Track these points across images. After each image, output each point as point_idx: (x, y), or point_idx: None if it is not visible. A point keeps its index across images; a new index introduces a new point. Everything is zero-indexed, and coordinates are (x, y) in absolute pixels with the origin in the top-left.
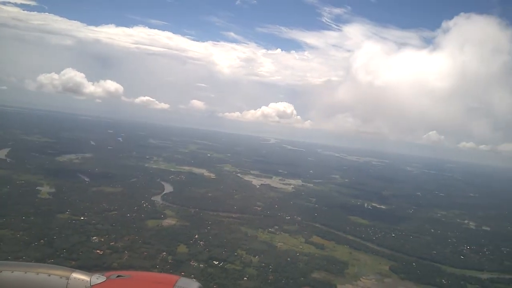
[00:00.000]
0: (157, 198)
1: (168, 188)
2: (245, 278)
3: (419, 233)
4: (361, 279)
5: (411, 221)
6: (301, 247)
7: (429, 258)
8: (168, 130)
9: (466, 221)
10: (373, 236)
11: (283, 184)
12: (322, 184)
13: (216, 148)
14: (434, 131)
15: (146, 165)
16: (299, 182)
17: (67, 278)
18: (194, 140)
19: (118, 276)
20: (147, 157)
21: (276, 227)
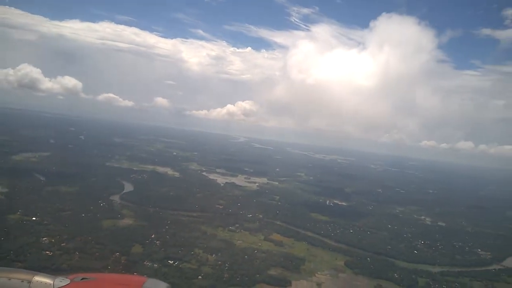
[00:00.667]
0: (116, 198)
1: (128, 187)
2: (199, 277)
3: (376, 229)
4: (316, 274)
5: (370, 217)
6: (260, 244)
7: (384, 253)
8: (135, 128)
9: (422, 217)
10: (332, 232)
11: (248, 182)
12: (287, 182)
13: (183, 146)
14: (396, 130)
15: (108, 164)
16: (264, 180)
17: (29, 281)
18: (161, 138)
19: (82, 278)
20: (109, 155)
21: (237, 225)
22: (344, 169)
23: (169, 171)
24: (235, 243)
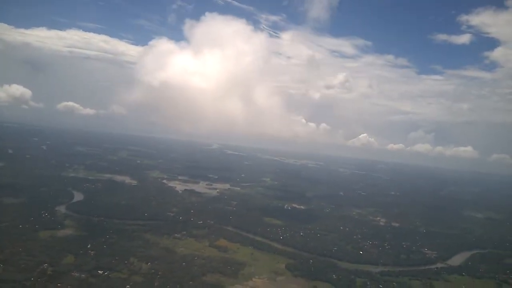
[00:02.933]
0: (62, 208)
1: (78, 197)
2: (127, 286)
3: (327, 231)
4: (253, 279)
5: (324, 220)
6: (203, 251)
7: (329, 254)
8: (101, 137)
9: (378, 218)
10: (281, 236)
11: (209, 189)
12: (250, 187)
13: (149, 154)
14: (365, 134)
15: (63, 173)
16: (226, 186)
17: None
18: (128, 146)
19: None
20: (67, 165)
21: (184, 232)
22: (312, 173)
23: (127, 179)
24: (177, 250)
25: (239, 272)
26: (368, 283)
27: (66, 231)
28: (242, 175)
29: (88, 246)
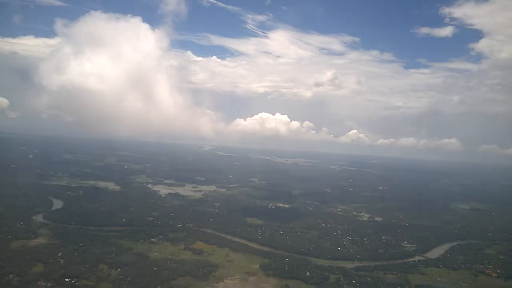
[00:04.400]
0: (39, 217)
1: (58, 205)
2: None
3: (308, 229)
4: (224, 280)
5: (306, 218)
6: (177, 254)
7: (306, 252)
8: (93, 144)
9: (362, 214)
10: (260, 236)
11: (194, 191)
12: (236, 188)
13: (138, 159)
14: (355, 130)
15: (46, 182)
16: (212, 188)
17: None
18: (117, 152)
19: None
20: (51, 173)
21: (161, 236)
22: (301, 171)
23: (111, 185)
24: (150, 255)
25: (211, 274)
26: (341, 279)
27: (39, 240)
28: (230, 176)
29: (59, 255)
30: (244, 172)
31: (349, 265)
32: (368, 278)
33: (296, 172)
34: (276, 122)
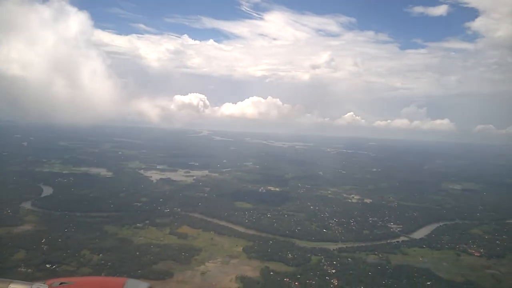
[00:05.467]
0: (27, 204)
1: (47, 192)
2: None
3: (296, 211)
4: (206, 263)
5: (295, 201)
6: (162, 239)
7: (291, 235)
8: (88, 130)
9: (352, 196)
10: (247, 219)
11: (186, 176)
12: (229, 172)
13: (133, 145)
14: (351, 113)
15: (37, 169)
16: (205, 172)
17: None
18: (113, 138)
19: (61, 283)
20: (44, 160)
21: (147, 221)
22: (297, 155)
23: (103, 171)
24: (134, 240)
25: (193, 257)
26: (322, 260)
27: (25, 227)
28: (224, 161)
29: (42, 241)
30: (239, 156)
31: (332, 246)
32: (349, 259)
33: (291, 155)
34: (267, 106)
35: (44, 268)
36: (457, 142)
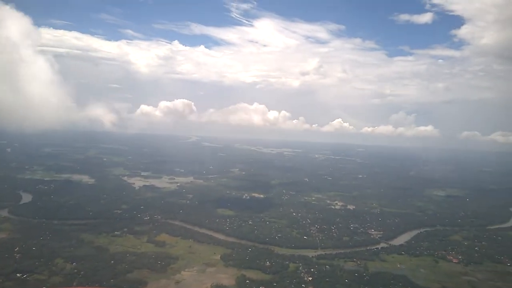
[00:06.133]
0: (4, 212)
1: (26, 199)
2: None
3: (278, 218)
4: (182, 272)
5: (278, 208)
6: (139, 247)
7: (270, 242)
8: (74, 136)
9: (335, 202)
10: (227, 227)
11: (170, 183)
12: (214, 179)
13: (120, 151)
14: (339, 119)
15: (19, 175)
16: (189, 179)
17: None
18: (100, 145)
19: None
20: (26, 167)
21: (125, 229)
22: (285, 161)
23: (85, 178)
24: (110, 248)
25: (169, 266)
26: (300, 267)
27: None
28: (210, 167)
29: (16, 249)
30: (226, 162)
31: (311, 253)
32: (327, 266)
33: (279, 162)
34: (253, 112)
35: (15, 278)
36: (443, 148)
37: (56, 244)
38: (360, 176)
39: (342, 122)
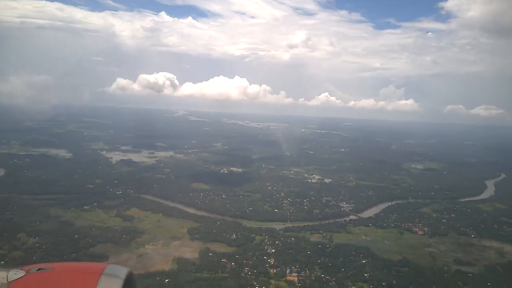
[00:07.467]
0: None
1: None
2: (2, 262)
3: (252, 192)
4: (146, 246)
5: (255, 182)
6: (106, 221)
7: (240, 215)
8: (58, 110)
9: (313, 176)
10: (200, 201)
11: (148, 157)
12: (195, 153)
13: (102, 125)
14: (326, 93)
15: None
16: (169, 154)
17: None
18: (83, 118)
19: (39, 269)
20: (4, 141)
21: (95, 203)
22: (269, 135)
23: (62, 153)
24: (77, 223)
25: (134, 240)
26: (266, 240)
27: None
28: (193, 142)
29: None
30: (210, 137)
31: (280, 226)
32: (292, 239)
33: (263, 136)
34: (233, 86)
35: None
36: (430, 122)
37: (21, 219)
38: (342, 150)
39: (328, 96)
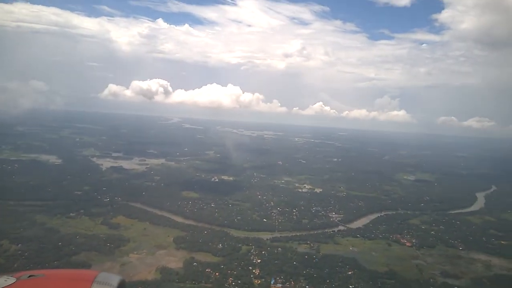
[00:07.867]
0: None
1: None
2: None
3: (242, 201)
4: (130, 255)
5: (245, 190)
6: (92, 229)
7: (228, 224)
8: (56, 115)
9: (304, 185)
10: (188, 209)
11: (139, 164)
12: (187, 161)
13: (95, 131)
14: (320, 103)
15: None
16: (161, 161)
17: None
18: (76, 124)
19: (29, 276)
20: None
21: (82, 211)
22: (263, 144)
23: (53, 159)
24: (62, 230)
25: (118, 248)
26: (252, 250)
27: None
28: (185, 149)
29: None
30: (202, 145)
31: (268, 236)
32: (279, 249)
33: (257, 144)
34: (226, 94)
35: None
36: (424, 133)
37: (5, 226)
38: (335, 159)
39: (323, 105)
